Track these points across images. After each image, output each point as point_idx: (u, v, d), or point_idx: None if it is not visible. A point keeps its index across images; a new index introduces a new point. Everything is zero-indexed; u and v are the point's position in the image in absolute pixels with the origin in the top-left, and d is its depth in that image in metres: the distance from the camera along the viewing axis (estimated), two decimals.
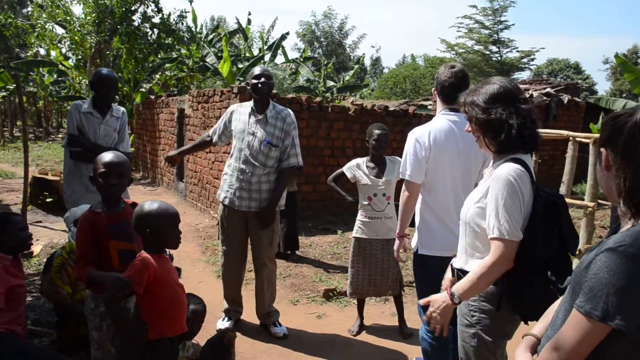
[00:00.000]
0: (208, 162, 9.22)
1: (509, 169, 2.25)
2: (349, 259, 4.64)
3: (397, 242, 3.61)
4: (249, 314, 4.68)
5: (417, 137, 3.30)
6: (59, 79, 25.41)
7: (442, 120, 3.34)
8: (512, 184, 2.21)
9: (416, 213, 3.47)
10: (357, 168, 4.50)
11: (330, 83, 23.73)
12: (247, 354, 4.02)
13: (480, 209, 2.35)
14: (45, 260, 3.65)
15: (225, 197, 4.38)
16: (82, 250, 2.80)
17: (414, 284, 6.00)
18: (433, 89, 3.48)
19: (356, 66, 28.22)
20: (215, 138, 4.58)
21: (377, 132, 4.43)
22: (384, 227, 4.45)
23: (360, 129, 9.07)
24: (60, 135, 29.81)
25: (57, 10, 15.44)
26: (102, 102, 4.53)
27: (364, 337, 4.61)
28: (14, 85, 22.21)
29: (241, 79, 17.39)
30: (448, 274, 2.63)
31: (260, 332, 4.54)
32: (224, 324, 4.45)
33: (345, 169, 4.60)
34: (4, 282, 3.15)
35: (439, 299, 2.36)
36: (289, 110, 4.49)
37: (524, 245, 2.23)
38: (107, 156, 2.85)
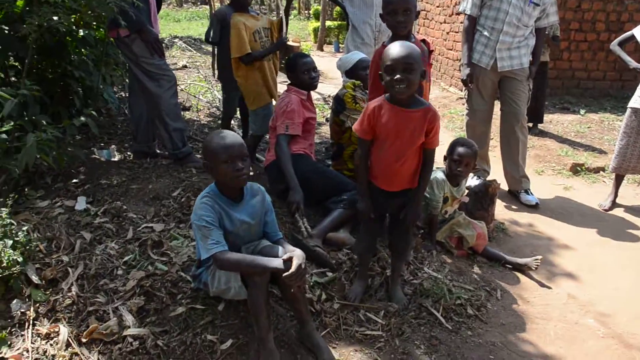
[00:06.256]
0: (442, 32, 9.06)
1: None
2: (620, 131, 4.37)
3: None
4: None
5: None
6: None
7: None
8: None
9: None
10: None
11: None
12: (497, 216, 4.12)
13: None
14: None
15: (480, 59, 4.34)
16: (371, 84, 3.06)
17: None
18: None
19: None
20: (476, 11, 4.29)
21: None
22: None
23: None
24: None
25: None
26: None
27: (616, 213, 4.44)
28: None
29: None
30: None
31: (507, 197, 4.62)
32: (473, 181, 4.60)
33: (635, 30, 4.21)
34: (301, 114, 3.62)
35: None
36: None
37: None
38: None
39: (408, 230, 2.79)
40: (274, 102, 4.46)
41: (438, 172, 3.47)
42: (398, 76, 2.35)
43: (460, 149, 3.37)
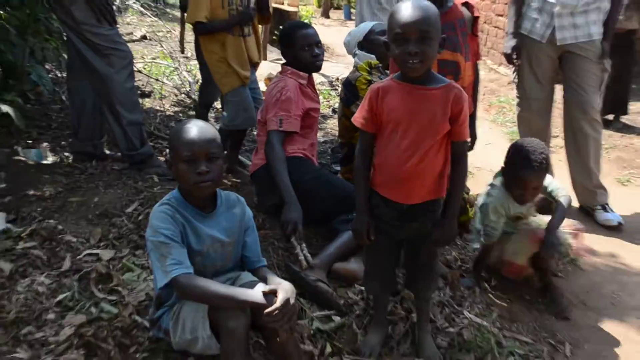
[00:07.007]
0: None
1: None
2: None
3: None
4: None
5: None
6: None
7: None
8: None
9: None
10: None
11: None
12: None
13: None
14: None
15: (532, 29, 4.33)
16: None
17: None
18: None
19: None
20: None
21: None
22: None
23: None
24: None
25: None
26: None
27: None
28: None
29: None
30: None
31: (578, 215, 4.51)
32: None
33: None
34: (300, 104, 3.60)
35: None
36: None
37: None
38: None
39: (432, 258, 2.75)
40: (263, 88, 4.45)
41: (494, 189, 3.32)
42: (411, 48, 2.28)
43: (527, 172, 3.11)
